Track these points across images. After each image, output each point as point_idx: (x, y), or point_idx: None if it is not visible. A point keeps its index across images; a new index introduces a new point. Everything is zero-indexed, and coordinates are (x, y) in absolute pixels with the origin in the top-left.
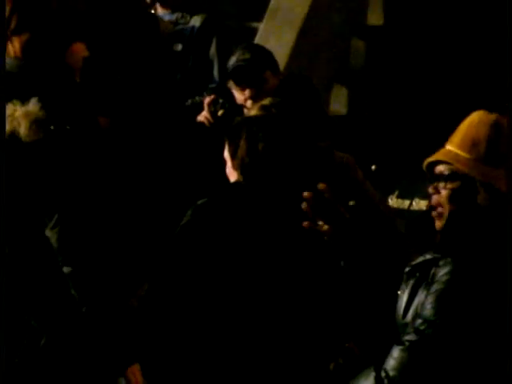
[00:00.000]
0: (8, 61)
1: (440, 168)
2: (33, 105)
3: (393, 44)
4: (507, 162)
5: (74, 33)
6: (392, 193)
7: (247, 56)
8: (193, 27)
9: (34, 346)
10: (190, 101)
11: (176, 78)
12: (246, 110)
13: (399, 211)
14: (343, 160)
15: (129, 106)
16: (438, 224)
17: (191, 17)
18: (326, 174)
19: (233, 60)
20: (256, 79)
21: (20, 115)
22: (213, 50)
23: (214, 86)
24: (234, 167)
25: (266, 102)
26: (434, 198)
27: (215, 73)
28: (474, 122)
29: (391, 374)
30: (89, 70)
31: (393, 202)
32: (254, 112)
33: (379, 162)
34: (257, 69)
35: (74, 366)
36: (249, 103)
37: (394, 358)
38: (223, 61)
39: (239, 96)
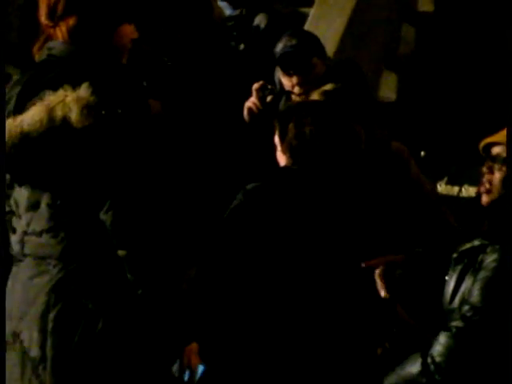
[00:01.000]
0: (56, 45)
1: (497, 149)
2: (84, 90)
3: (443, 31)
4: (507, 161)
5: (122, 15)
6: (441, 179)
7: (294, 42)
8: (257, 27)
9: (92, 329)
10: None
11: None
12: (293, 96)
13: (448, 198)
14: (399, 150)
15: (180, 90)
16: (485, 199)
17: (251, 13)
18: (382, 163)
19: (280, 46)
20: (303, 65)
21: (71, 100)
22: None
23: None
24: (283, 151)
25: (329, 87)
26: (487, 176)
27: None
28: None
29: (437, 359)
30: (138, 52)
31: (442, 188)
32: (315, 97)
33: (428, 149)
34: (304, 55)
35: (130, 350)
36: (296, 89)
37: (440, 344)
38: None
39: (287, 82)
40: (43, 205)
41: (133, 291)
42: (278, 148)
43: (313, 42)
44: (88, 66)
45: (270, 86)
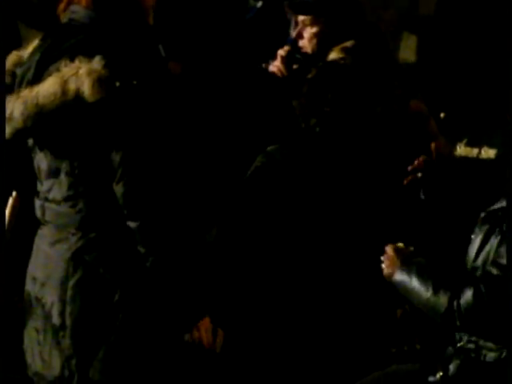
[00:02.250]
0: (79, 10)
1: None
2: (97, 62)
3: None
4: (507, 161)
5: None
6: (460, 141)
7: None
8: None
9: (109, 300)
10: (263, 65)
11: (252, 35)
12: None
13: (467, 159)
14: (418, 109)
15: (201, 53)
16: None
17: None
18: (401, 123)
19: None
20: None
21: (83, 73)
22: None
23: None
24: (305, 113)
25: (349, 44)
26: None
27: (292, 31)
28: None
29: (462, 308)
30: (162, 12)
31: (461, 150)
32: (334, 54)
33: (448, 110)
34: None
35: (144, 321)
36: (313, 42)
37: (464, 297)
38: None
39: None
40: (62, 173)
41: (142, 263)
42: (300, 111)
43: None
44: (106, 35)
45: (297, 55)
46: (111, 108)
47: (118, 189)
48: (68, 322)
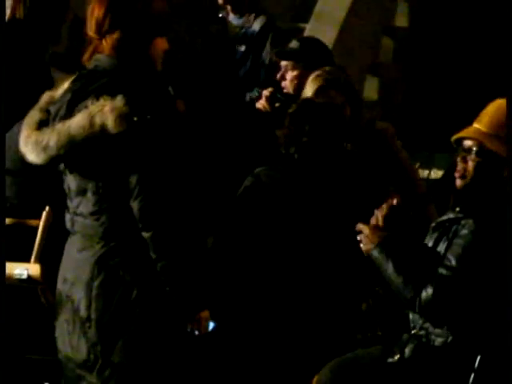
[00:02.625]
0: (102, 58)
1: (469, 143)
2: (119, 100)
3: (417, 43)
4: (507, 159)
5: (156, 29)
6: (414, 164)
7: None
8: (253, 30)
9: (127, 297)
10: (248, 95)
11: (238, 74)
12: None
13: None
14: (384, 128)
15: (202, 93)
16: (459, 183)
17: (255, 19)
18: (368, 141)
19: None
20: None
21: (108, 110)
22: (266, 50)
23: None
24: (287, 143)
25: (319, 72)
26: (461, 165)
27: (262, 71)
28: (501, 106)
29: (422, 301)
30: (169, 61)
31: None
32: (310, 80)
33: (404, 138)
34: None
35: (157, 314)
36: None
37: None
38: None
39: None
40: (89, 192)
41: (154, 267)
42: (282, 140)
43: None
44: (125, 78)
45: (278, 95)
46: (130, 138)
47: (135, 205)
48: (93, 315)
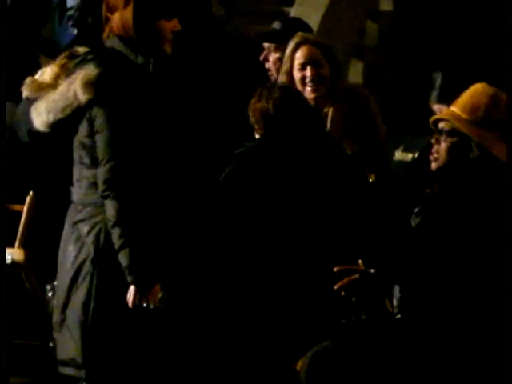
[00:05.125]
0: (112, 37)
1: (443, 124)
2: (89, 69)
3: (402, 27)
4: (507, 156)
5: (160, 11)
6: (398, 148)
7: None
8: None
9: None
10: None
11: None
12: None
13: (404, 163)
14: (363, 92)
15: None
16: (434, 166)
17: None
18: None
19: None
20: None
21: (79, 77)
22: None
23: None
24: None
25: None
26: (435, 147)
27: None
28: (477, 90)
29: None
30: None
31: (398, 155)
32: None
33: (390, 122)
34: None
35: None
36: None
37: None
38: None
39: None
40: (76, 161)
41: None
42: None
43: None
44: (110, 52)
45: None
46: (97, 106)
47: (99, 171)
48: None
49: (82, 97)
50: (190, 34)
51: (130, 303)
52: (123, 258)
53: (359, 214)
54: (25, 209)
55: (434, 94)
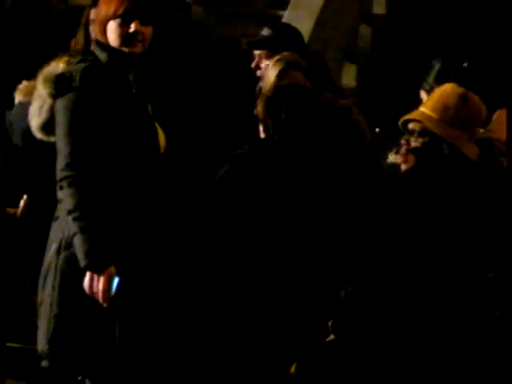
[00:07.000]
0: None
1: (412, 125)
2: (55, 66)
3: (394, 30)
4: (507, 158)
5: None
6: (391, 150)
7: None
8: None
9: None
10: None
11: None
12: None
13: (396, 165)
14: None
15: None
16: (404, 167)
17: None
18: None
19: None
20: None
21: (41, 74)
22: None
23: None
24: (265, 127)
25: (279, 56)
26: (404, 148)
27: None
28: (446, 91)
29: None
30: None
31: (392, 157)
32: (272, 65)
33: (381, 126)
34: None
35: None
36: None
37: None
38: None
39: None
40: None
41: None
42: (261, 125)
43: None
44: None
45: None
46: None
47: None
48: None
49: (43, 92)
50: (167, 38)
51: (86, 290)
52: (76, 244)
53: (359, 218)
54: (19, 212)
55: (428, 97)
